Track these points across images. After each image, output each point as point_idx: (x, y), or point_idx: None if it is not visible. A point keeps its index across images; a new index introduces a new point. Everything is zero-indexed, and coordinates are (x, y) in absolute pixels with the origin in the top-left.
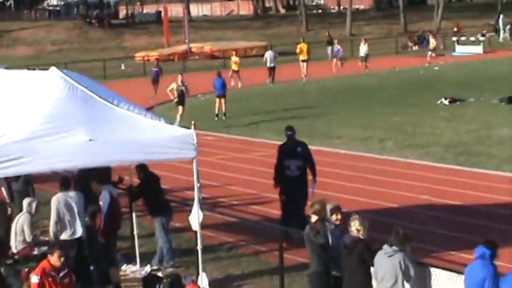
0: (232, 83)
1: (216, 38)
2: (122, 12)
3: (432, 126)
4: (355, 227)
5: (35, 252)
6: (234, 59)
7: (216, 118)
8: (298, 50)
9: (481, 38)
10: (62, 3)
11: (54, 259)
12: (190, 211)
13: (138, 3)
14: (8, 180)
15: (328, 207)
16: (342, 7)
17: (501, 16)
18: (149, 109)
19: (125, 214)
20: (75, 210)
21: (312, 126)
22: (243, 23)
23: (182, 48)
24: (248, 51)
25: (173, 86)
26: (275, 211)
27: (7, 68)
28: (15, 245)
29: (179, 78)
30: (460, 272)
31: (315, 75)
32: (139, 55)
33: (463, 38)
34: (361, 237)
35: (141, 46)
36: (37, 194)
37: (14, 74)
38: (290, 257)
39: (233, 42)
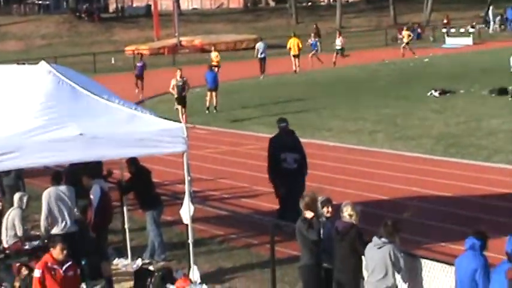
0: None
1: (206, 32)
2: (112, 6)
3: (422, 118)
4: (347, 212)
5: (26, 247)
6: (214, 54)
7: (207, 111)
8: (288, 47)
9: (471, 30)
10: None
11: (57, 252)
12: (182, 204)
13: None
14: None
15: (319, 199)
16: (331, 0)
17: (491, 8)
18: (139, 103)
19: (116, 208)
20: (67, 204)
21: (303, 119)
22: (233, 16)
23: (172, 41)
24: (238, 45)
25: (173, 82)
26: (266, 204)
27: None
28: (6, 239)
29: (178, 73)
30: (451, 264)
31: (305, 68)
32: (129, 49)
33: (452, 30)
34: (353, 222)
35: (131, 40)
36: (28, 188)
37: (4, 68)
38: (281, 250)
39: (223, 36)
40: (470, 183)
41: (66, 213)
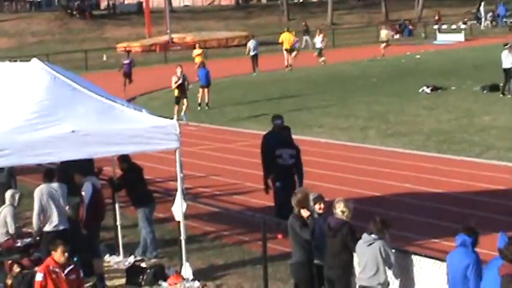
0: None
1: (197, 29)
2: (103, 3)
3: (414, 115)
4: (339, 208)
5: (18, 244)
6: (197, 51)
7: (199, 108)
8: (280, 40)
9: (463, 26)
10: None
11: (58, 255)
12: (174, 201)
13: None
14: None
15: (311, 196)
16: None
17: (482, 4)
18: (131, 100)
19: (108, 205)
20: (59, 201)
21: (294, 116)
22: (225, 13)
23: (164, 38)
24: (230, 41)
25: (174, 79)
26: (258, 201)
27: None
28: None
29: (178, 70)
30: (442, 260)
31: (296, 64)
32: (121, 46)
33: (444, 26)
34: (345, 219)
35: (123, 37)
36: (20, 185)
37: None
38: (273, 247)
39: (215, 33)
40: (462, 179)
41: (58, 211)
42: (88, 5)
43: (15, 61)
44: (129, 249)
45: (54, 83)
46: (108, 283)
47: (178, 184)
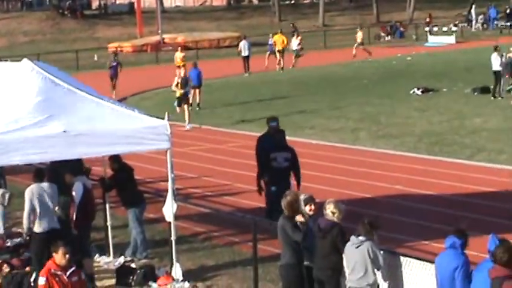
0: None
1: (189, 29)
2: (95, 3)
3: (405, 116)
4: (330, 209)
5: (8, 244)
6: (179, 54)
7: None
8: (273, 40)
9: (454, 28)
10: None
11: (59, 257)
12: (164, 202)
13: None
14: None
15: (302, 197)
16: None
17: (473, 6)
18: (122, 100)
19: (98, 205)
20: (49, 201)
21: (285, 117)
22: (216, 14)
23: (155, 39)
24: (221, 42)
25: (177, 80)
26: (249, 202)
27: None
28: None
29: (182, 70)
30: (432, 261)
31: (288, 65)
32: (112, 46)
33: (435, 29)
34: (336, 220)
35: (114, 37)
36: (9, 185)
37: None
38: (264, 248)
39: (206, 33)
40: (453, 181)
41: (48, 211)
42: (79, 5)
43: (6, 61)
44: (119, 250)
45: (45, 83)
46: (98, 283)
47: (169, 185)
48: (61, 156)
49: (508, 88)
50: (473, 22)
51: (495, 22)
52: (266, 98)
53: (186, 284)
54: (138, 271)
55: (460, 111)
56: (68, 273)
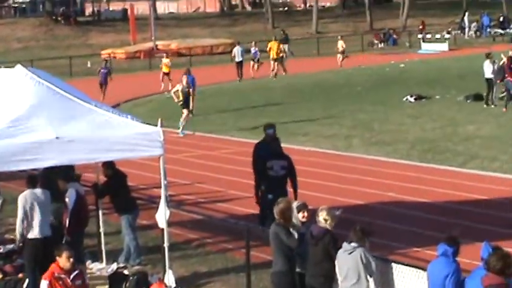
0: (162, 86)
1: (182, 36)
2: (88, 10)
3: (398, 123)
4: (322, 216)
5: (1, 251)
6: (165, 60)
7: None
8: (268, 47)
9: (447, 36)
10: (28, 0)
11: (63, 261)
12: (157, 209)
13: (105, 1)
14: None
15: (295, 204)
16: (308, 5)
17: (467, 14)
18: (115, 106)
19: (91, 211)
20: (42, 208)
21: (279, 124)
22: (210, 21)
23: (148, 45)
24: (214, 49)
25: (178, 87)
26: (242, 208)
27: None
28: None
29: (184, 79)
30: (424, 269)
31: (280, 72)
32: (105, 52)
33: (428, 36)
34: (328, 227)
35: (108, 43)
36: (2, 191)
37: None
38: (257, 255)
39: (199, 40)
40: (446, 188)
41: (42, 217)
42: (73, 11)
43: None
44: (112, 256)
45: (39, 89)
46: None
47: (162, 191)
48: (54, 163)
49: (501, 96)
50: (467, 29)
51: (488, 30)
52: (259, 104)
53: None
54: (131, 278)
55: (453, 118)
56: (71, 276)
